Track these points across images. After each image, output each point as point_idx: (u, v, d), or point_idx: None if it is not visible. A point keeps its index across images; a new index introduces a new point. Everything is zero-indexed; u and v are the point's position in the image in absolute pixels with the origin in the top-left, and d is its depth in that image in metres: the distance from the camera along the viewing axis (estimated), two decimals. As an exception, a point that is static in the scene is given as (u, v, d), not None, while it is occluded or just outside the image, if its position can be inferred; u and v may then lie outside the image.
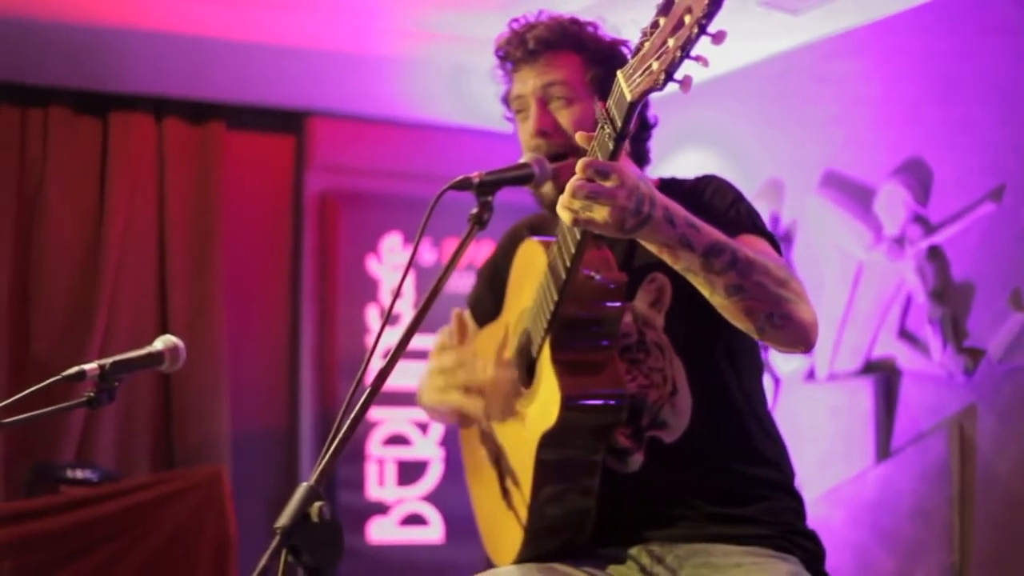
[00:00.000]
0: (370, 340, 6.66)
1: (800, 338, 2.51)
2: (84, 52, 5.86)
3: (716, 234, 2.39)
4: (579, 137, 2.30)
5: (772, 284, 2.44)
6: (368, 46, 5.95)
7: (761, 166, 5.78)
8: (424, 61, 6.07)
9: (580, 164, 2.24)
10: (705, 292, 2.44)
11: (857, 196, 5.29)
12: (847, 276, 5.29)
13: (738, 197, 2.79)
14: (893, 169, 5.13)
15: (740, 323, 2.47)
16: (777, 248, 2.74)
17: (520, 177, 2.55)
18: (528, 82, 2.86)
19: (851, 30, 5.38)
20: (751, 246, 2.56)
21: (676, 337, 2.72)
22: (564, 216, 2.28)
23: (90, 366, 2.57)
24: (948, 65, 4.97)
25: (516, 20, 2.95)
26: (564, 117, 2.81)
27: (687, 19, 2.02)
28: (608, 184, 2.22)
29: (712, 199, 2.78)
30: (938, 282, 4.92)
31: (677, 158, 6.02)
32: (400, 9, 5.59)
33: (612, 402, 2.66)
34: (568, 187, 2.25)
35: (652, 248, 2.37)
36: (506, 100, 2.99)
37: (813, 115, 5.55)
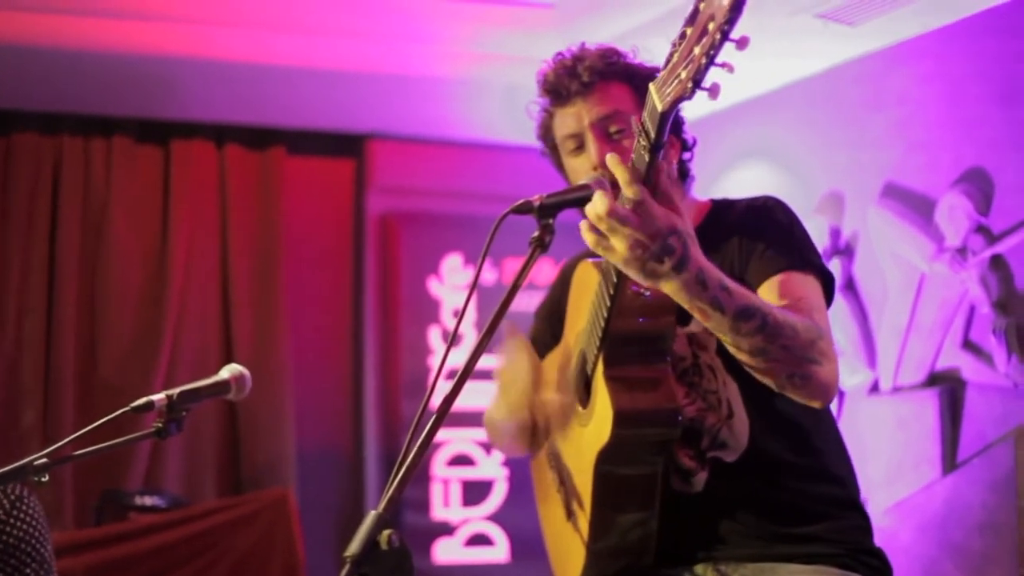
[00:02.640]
0: (432, 360, 6.70)
1: (816, 396, 2.55)
2: (146, 82, 5.94)
3: (748, 298, 2.41)
4: (609, 160, 2.28)
5: (798, 348, 2.46)
6: (424, 69, 5.99)
7: (821, 179, 5.76)
8: (479, 82, 6.09)
9: (622, 176, 2.24)
10: (730, 349, 2.47)
11: (918, 207, 5.26)
12: (910, 288, 5.26)
13: (789, 225, 2.78)
14: (954, 179, 5.10)
15: (760, 378, 2.51)
16: (826, 281, 2.74)
17: (581, 199, 2.50)
18: (583, 117, 2.85)
19: (909, 40, 5.35)
20: (791, 290, 2.60)
21: (729, 358, 2.68)
22: (587, 238, 2.30)
23: (158, 397, 2.59)
24: (1007, 73, 4.94)
25: (560, 53, 2.94)
26: (625, 147, 2.80)
27: (710, 26, 2.03)
28: (634, 218, 2.23)
29: (763, 228, 2.76)
30: (1001, 292, 4.88)
31: (736, 174, 6.00)
32: (454, 31, 5.63)
33: (666, 417, 2.66)
34: (593, 203, 2.26)
35: (682, 303, 2.38)
36: (544, 136, 2.99)
37: (872, 127, 5.53)
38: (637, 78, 2.85)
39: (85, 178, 6.30)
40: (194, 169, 6.47)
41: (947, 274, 5.09)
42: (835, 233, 5.60)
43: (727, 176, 5.91)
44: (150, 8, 5.45)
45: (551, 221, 2.36)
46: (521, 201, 2.37)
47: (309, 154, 6.77)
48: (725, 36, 2.02)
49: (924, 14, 5.11)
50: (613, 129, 2.83)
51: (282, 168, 6.61)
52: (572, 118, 2.87)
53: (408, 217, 6.85)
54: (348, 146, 6.82)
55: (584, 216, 2.32)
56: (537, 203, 2.38)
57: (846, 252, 5.55)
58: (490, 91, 6.16)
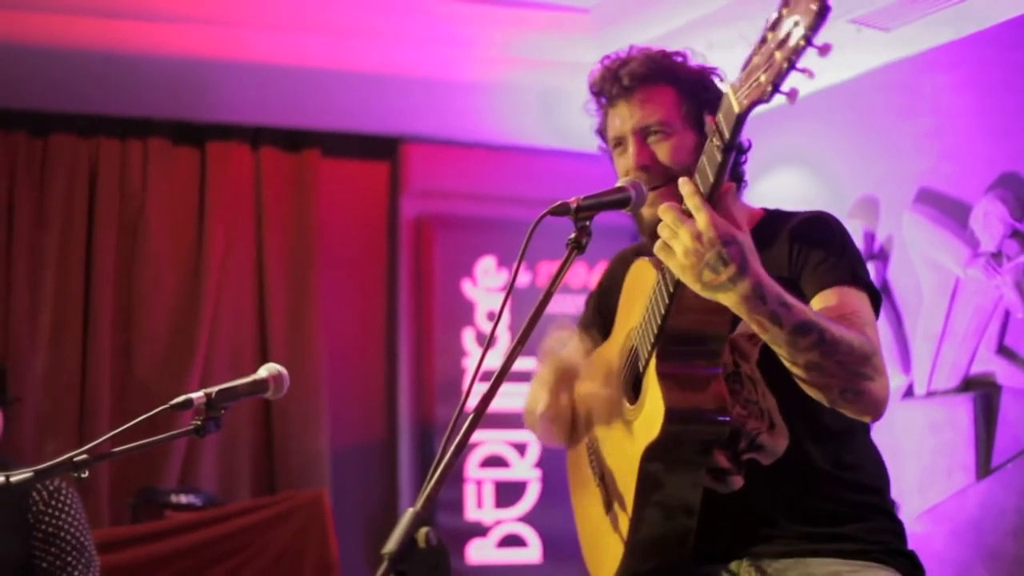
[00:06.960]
0: (466, 362, 6.71)
1: (868, 411, 2.59)
2: (182, 84, 5.97)
3: (806, 313, 2.45)
4: (681, 183, 2.36)
5: (853, 363, 2.49)
6: (459, 72, 6.00)
7: (855, 183, 5.75)
8: (514, 86, 6.10)
9: (685, 188, 2.32)
10: (785, 363, 2.51)
11: (953, 212, 5.25)
12: (944, 293, 5.25)
13: (844, 242, 2.81)
14: (989, 184, 5.09)
15: (812, 393, 2.54)
16: (875, 298, 2.77)
17: (617, 201, 2.56)
18: (626, 120, 2.86)
19: (943, 45, 5.35)
20: (844, 302, 2.64)
21: (769, 372, 2.71)
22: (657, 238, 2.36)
23: (197, 395, 2.60)
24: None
25: (608, 57, 2.95)
26: (662, 150, 2.81)
27: (794, 32, 2.08)
28: (695, 223, 2.30)
29: (819, 240, 2.78)
30: (1037, 297, 4.88)
31: (770, 179, 6.00)
32: (489, 35, 5.64)
33: (716, 417, 2.66)
34: (660, 209, 2.35)
35: (740, 315, 2.43)
36: (600, 133, 3.01)
37: (906, 131, 5.52)
38: (682, 80, 2.87)
39: (121, 180, 6.34)
40: (230, 171, 6.49)
41: (982, 279, 5.07)
42: (869, 237, 5.59)
43: (760, 182, 5.90)
44: (186, 11, 5.49)
45: (588, 223, 2.41)
46: (558, 203, 2.42)
47: (344, 157, 6.78)
48: (809, 42, 2.08)
49: (958, 20, 5.10)
50: (653, 131, 2.84)
51: (317, 170, 6.63)
52: (618, 119, 2.88)
53: (442, 220, 6.86)
54: (383, 149, 6.84)
55: (633, 217, 2.36)
56: (574, 205, 2.43)
57: (881, 257, 5.54)
58: (525, 95, 6.17)
